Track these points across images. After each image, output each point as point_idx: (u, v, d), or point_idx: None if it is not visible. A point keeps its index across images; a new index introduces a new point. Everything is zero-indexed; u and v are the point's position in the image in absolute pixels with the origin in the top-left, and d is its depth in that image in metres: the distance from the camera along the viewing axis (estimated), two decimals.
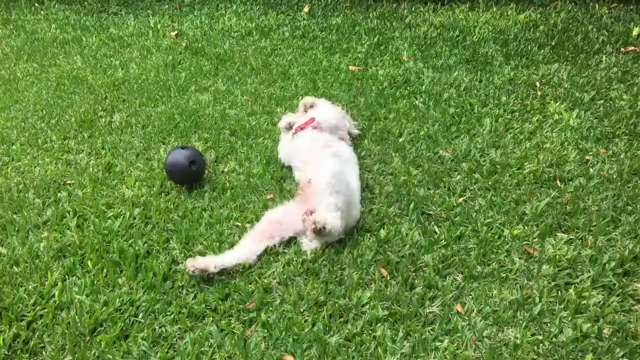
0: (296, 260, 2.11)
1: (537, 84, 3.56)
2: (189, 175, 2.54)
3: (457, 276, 2.01)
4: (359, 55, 4.29)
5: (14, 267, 2.14)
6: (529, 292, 1.90)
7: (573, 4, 5.10)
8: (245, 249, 2.13)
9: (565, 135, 2.89)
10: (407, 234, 2.21)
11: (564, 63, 3.87)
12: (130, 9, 6.16)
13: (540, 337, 1.73)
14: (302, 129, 2.71)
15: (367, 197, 2.48)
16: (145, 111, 3.50)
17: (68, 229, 2.36)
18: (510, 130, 2.99)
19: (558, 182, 2.49)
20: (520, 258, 2.07)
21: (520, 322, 1.79)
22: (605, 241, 2.13)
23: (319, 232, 2.07)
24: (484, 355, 1.69)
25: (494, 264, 2.04)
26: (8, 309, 1.92)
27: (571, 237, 2.16)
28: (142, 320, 1.88)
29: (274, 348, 1.75)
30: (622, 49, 4.02)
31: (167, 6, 6.12)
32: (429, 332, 1.78)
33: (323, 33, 4.90)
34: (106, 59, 4.57)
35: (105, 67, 4.39)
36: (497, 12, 5.09)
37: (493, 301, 1.88)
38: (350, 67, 4.05)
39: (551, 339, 1.73)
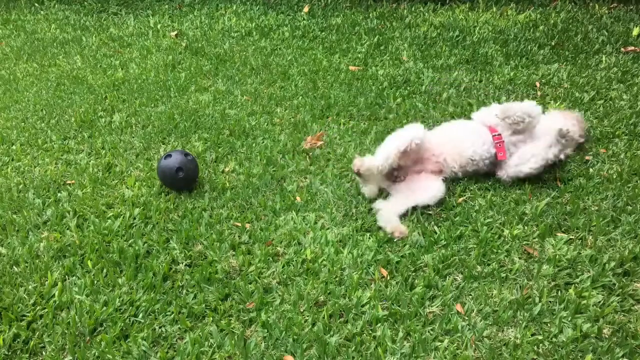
0: (296, 260, 2.11)
1: (537, 84, 3.56)
2: (179, 182, 2.53)
3: (457, 276, 2.01)
4: (359, 55, 4.29)
5: (14, 267, 2.14)
6: (529, 292, 1.90)
7: (573, 4, 5.10)
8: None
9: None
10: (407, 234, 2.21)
11: (564, 63, 3.87)
12: (130, 9, 6.16)
13: (540, 337, 1.73)
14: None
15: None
16: (145, 111, 3.50)
17: (68, 229, 2.36)
18: None
19: (558, 182, 2.49)
20: (520, 258, 2.08)
21: (520, 322, 1.79)
22: (605, 241, 2.13)
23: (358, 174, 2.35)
24: (484, 355, 1.69)
25: (494, 264, 2.04)
26: (8, 309, 1.93)
27: (571, 237, 2.16)
28: (142, 320, 1.88)
29: (274, 348, 1.75)
30: (622, 49, 4.02)
31: (167, 6, 6.12)
32: (429, 332, 1.78)
33: (323, 33, 4.90)
34: (106, 59, 4.57)
35: (105, 67, 4.39)
36: (497, 12, 5.09)
37: (493, 301, 1.88)
38: (350, 67, 4.05)
39: (551, 339, 1.73)
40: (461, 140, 2.51)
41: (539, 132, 2.54)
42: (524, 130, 2.51)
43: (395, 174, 2.47)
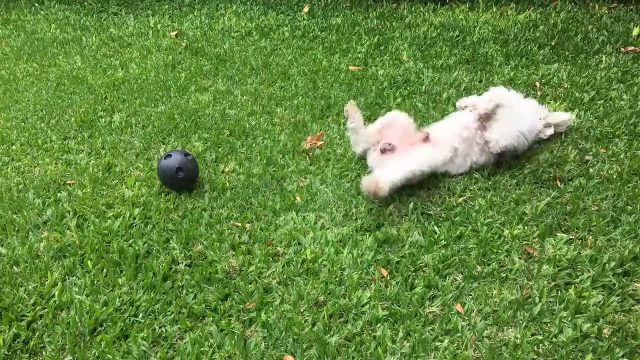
0: (296, 260, 2.11)
1: (537, 84, 3.56)
2: (179, 182, 2.52)
3: (457, 276, 2.01)
4: (359, 55, 4.29)
5: (14, 267, 2.14)
6: (529, 292, 1.90)
7: (573, 4, 5.10)
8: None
9: (564, 135, 2.89)
10: (407, 234, 2.22)
11: (564, 63, 3.87)
12: (130, 9, 6.16)
13: (540, 337, 1.73)
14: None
15: (367, 197, 2.48)
16: (145, 111, 3.50)
17: (68, 229, 2.36)
18: None
19: (558, 182, 2.50)
20: (520, 258, 2.08)
21: (520, 322, 1.79)
22: (605, 241, 2.13)
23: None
24: (484, 355, 1.69)
25: (494, 264, 2.04)
26: (8, 309, 1.93)
27: (571, 237, 2.16)
28: (142, 320, 1.88)
29: (274, 348, 1.75)
30: (622, 49, 4.02)
31: (167, 6, 6.12)
32: (429, 332, 1.78)
33: (323, 33, 4.90)
34: (106, 59, 4.57)
35: (105, 67, 4.39)
36: (497, 12, 5.09)
37: (493, 301, 1.88)
38: (350, 67, 4.05)
39: (551, 339, 1.73)
40: (450, 120, 2.75)
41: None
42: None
43: (384, 146, 2.56)
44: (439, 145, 2.58)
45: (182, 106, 3.54)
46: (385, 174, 2.30)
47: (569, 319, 1.79)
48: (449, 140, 2.58)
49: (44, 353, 1.78)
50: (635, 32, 4.26)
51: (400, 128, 2.64)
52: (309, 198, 2.49)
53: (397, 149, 2.55)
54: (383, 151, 2.55)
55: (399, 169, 2.35)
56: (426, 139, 2.59)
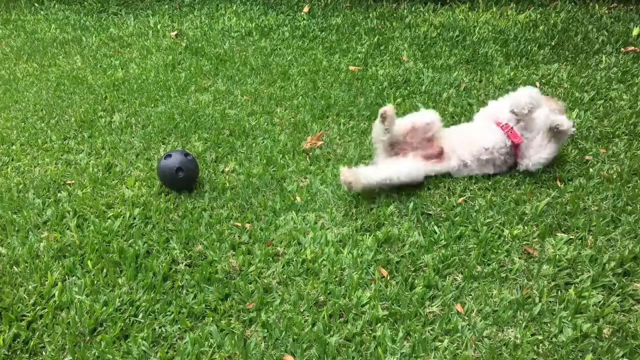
0: (296, 260, 2.11)
1: (537, 84, 3.56)
2: (179, 182, 2.52)
3: (457, 276, 2.01)
4: (359, 55, 4.29)
5: (14, 267, 2.14)
6: (529, 292, 1.90)
7: (573, 4, 5.10)
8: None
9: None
10: (407, 234, 2.22)
11: (564, 63, 3.87)
12: (130, 9, 6.16)
13: (540, 337, 1.73)
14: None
15: (367, 197, 2.48)
16: (145, 111, 3.50)
17: (68, 229, 2.36)
18: None
19: (558, 182, 2.50)
20: (520, 258, 2.08)
21: (520, 322, 1.79)
22: (605, 241, 2.13)
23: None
24: (484, 355, 1.69)
25: (494, 264, 2.04)
26: (8, 309, 1.93)
27: (571, 237, 2.16)
28: (142, 320, 1.88)
29: (274, 348, 1.75)
30: (622, 49, 4.02)
31: (167, 6, 6.12)
32: (429, 332, 1.78)
33: (323, 33, 4.91)
34: (106, 59, 4.57)
35: (105, 67, 4.39)
36: (497, 12, 5.09)
37: (493, 301, 1.88)
38: (350, 67, 4.05)
39: (551, 339, 1.73)
40: (472, 134, 2.61)
41: (537, 118, 2.57)
42: (528, 118, 2.55)
43: (395, 151, 2.58)
44: (450, 160, 2.57)
45: (182, 106, 3.54)
46: (366, 172, 2.40)
47: (569, 319, 1.79)
48: (462, 157, 2.54)
49: (44, 353, 1.78)
50: (635, 32, 4.27)
51: (429, 135, 2.59)
52: (309, 198, 2.49)
53: (409, 153, 2.55)
54: (394, 155, 2.57)
55: (380, 171, 2.43)
56: (440, 154, 2.57)
